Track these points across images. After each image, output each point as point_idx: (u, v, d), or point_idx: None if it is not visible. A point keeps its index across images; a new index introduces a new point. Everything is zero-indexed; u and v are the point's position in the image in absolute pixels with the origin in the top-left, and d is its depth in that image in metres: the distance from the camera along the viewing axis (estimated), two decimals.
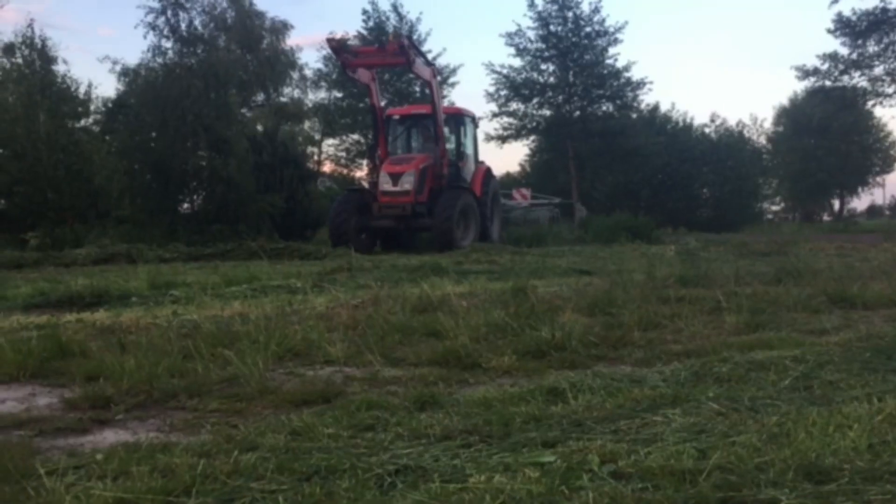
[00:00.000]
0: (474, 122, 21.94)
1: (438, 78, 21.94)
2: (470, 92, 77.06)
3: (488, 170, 20.90)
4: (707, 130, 46.05)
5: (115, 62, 25.39)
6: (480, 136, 28.22)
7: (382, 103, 21.94)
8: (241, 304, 7.81)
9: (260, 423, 3.63)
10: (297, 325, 6.08)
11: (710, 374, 4.27)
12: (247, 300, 8.30)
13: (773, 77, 73.13)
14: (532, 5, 36.37)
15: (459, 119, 21.05)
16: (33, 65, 22.21)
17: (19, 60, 24.58)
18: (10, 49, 26.90)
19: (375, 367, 4.84)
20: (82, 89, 25.38)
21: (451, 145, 20.21)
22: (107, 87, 29.94)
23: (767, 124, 55.36)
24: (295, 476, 2.82)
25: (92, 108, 27.41)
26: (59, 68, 24.45)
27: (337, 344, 5.35)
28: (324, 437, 3.30)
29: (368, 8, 36.48)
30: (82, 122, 26.61)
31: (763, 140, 51.39)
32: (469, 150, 21.02)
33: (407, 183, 18.23)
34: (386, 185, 18.49)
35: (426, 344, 5.39)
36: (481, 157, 22.15)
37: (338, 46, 18.65)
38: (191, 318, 6.76)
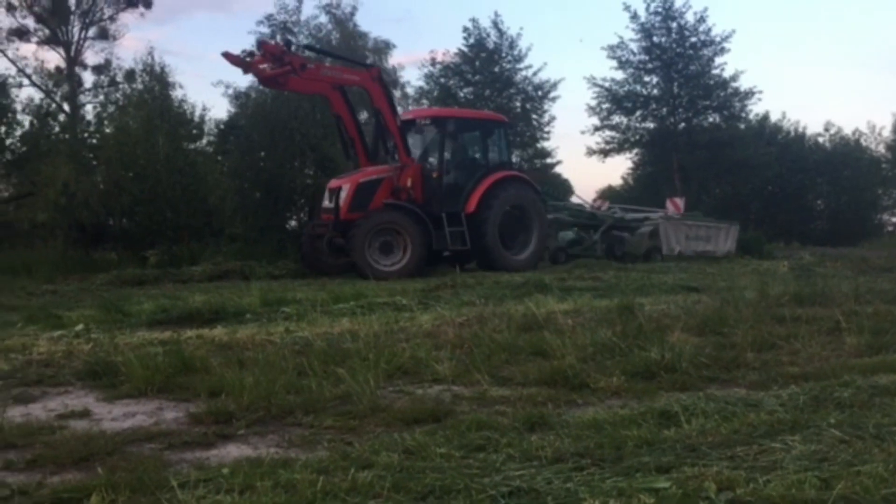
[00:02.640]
0: (504, 128, 18.80)
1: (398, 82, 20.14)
2: (571, 106, 76.64)
3: (505, 180, 17.16)
4: (821, 140, 44.21)
5: (227, 86, 26.55)
6: (581, 150, 27.04)
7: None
8: (349, 321, 8.00)
9: (373, 441, 3.73)
10: (404, 342, 6.20)
11: (830, 398, 4.13)
12: (355, 317, 8.49)
13: (892, 82, 69.58)
14: (635, 17, 35.93)
15: (487, 126, 18.40)
16: (153, 90, 23.41)
17: (140, 86, 26.03)
18: (130, 75, 28.53)
19: (483, 386, 4.88)
20: (197, 112, 26.60)
21: (471, 154, 17.88)
22: (219, 109, 31.56)
23: (886, 132, 52.82)
24: (411, 495, 2.89)
25: (205, 130, 28.70)
26: (176, 93, 25.72)
27: (444, 362, 5.43)
28: (436, 457, 3.36)
29: (469, 25, 36.81)
30: (197, 144, 27.85)
31: (882, 149, 48.96)
32: (497, 159, 17.91)
33: (341, 199, 15.96)
34: (326, 201, 16.55)
35: (533, 363, 5.40)
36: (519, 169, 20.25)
37: (238, 62, 16.48)
38: (302, 336, 6.99)
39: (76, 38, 29.78)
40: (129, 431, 4.06)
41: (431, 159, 17.40)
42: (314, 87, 16.85)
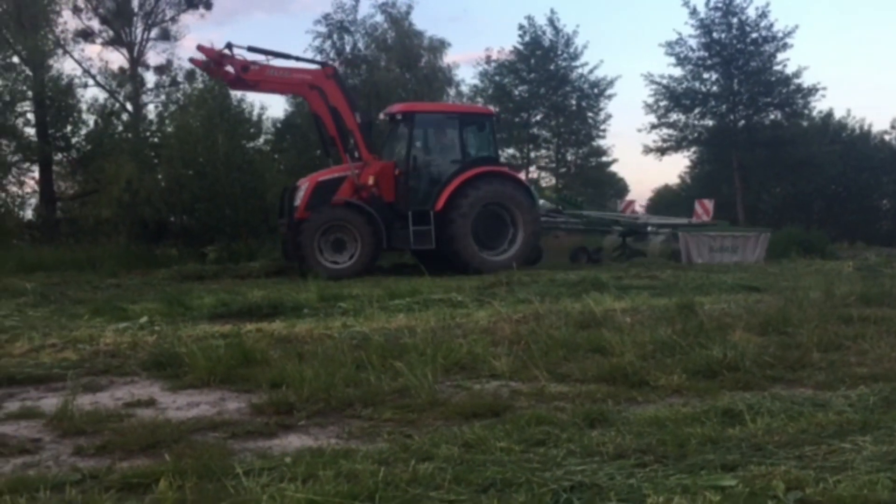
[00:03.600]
0: (491, 122, 17.50)
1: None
2: (628, 103, 75.71)
3: (483, 176, 16.06)
4: (887, 138, 42.91)
5: None
6: (638, 147, 26.13)
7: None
8: (405, 317, 8.05)
9: (433, 433, 3.74)
10: (461, 338, 6.20)
11: None
12: (410, 313, 8.55)
13: None
14: (694, 13, 35.32)
15: (468, 119, 17.17)
16: (213, 90, 23.85)
17: (200, 86, 26.59)
18: (191, 75, 29.13)
19: (541, 382, 4.86)
20: (255, 112, 27.04)
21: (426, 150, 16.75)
22: (276, 108, 32.14)
23: None
24: (472, 487, 2.89)
25: (263, 128, 29.16)
26: (235, 93, 26.19)
27: (502, 358, 5.42)
28: (496, 451, 3.36)
29: (525, 23, 36.65)
30: (255, 143, 28.29)
31: None
32: (478, 154, 16.81)
33: (298, 198, 15.69)
34: (290, 200, 16.15)
35: (591, 360, 5.35)
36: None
37: (202, 66, 16.24)
38: (360, 330, 7.05)
39: (139, 39, 30.47)
40: (193, 420, 4.14)
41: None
42: (286, 87, 16.87)
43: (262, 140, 29.19)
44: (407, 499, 2.82)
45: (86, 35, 29.29)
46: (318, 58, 26.10)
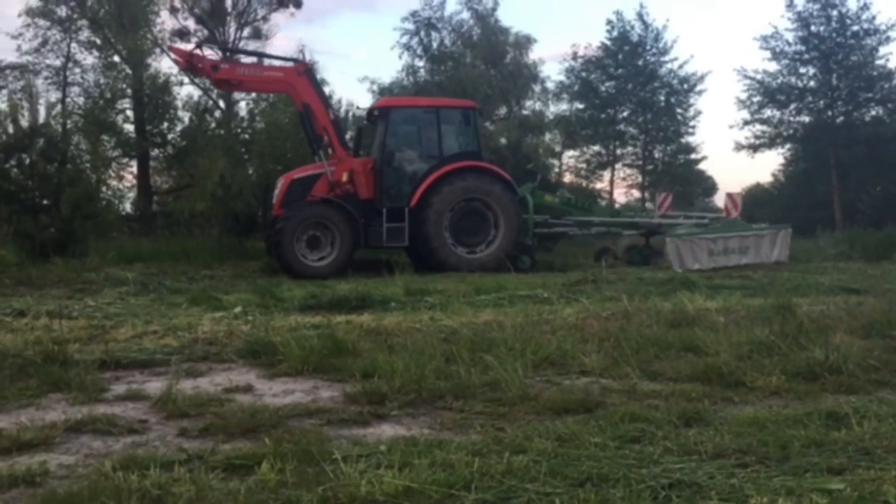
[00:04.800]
0: (473, 115, 16.81)
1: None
2: (720, 99, 73.71)
3: (461, 171, 15.53)
4: None
5: (372, 81, 27.31)
6: (729, 144, 24.79)
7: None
8: (491, 312, 8.06)
9: (525, 427, 3.74)
10: (549, 334, 6.17)
11: None
12: (497, 308, 8.56)
13: None
14: (791, 6, 34.17)
15: (448, 114, 16.59)
16: None
17: None
18: None
19: (633, 379, 4.79)
20: (343, 108, 27.49)
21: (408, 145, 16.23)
22: (363, 105, 32.75)
23: None
24: (568, 481, 2.88)
25: (350, 124, 29.64)
26: (324, 89, 26.73)
27: (591, 355, 5.37)
28: (591, 446, 3.33)
29: (613, 18, 36.14)
30: None
31: None
32: (458, 148, 16.26)
33: (273, 196, 15.59)
34: (265, 198, 16.20)
35: (684, 359, 5.25)
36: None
37: (184, 66, 15.92)
38: (447, 324, 7.09)
39: (232, 37, 31.35)
40: (289, 407, 4.24)
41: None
42: (269, 86, 16.71)
43: (349, 136, 29.66)
44: (502, 490, 2.82)
45: (182, 34, 30.28)
46: (405, 55, 26.36)
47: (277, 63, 17.28)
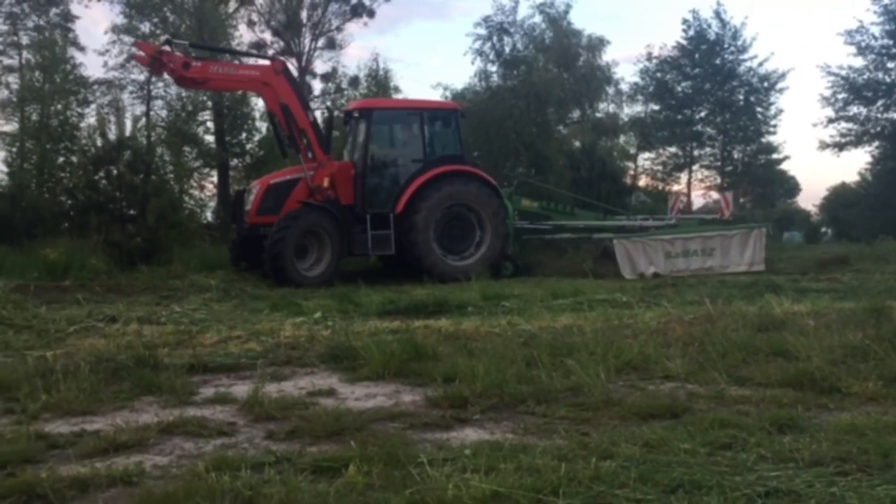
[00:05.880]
0: (456, 117, 16.08)
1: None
2: (803, 97, 71.24)
3: (446, 175, 14.88)
4: None
5: (445, 88, 27.43)
6: (812, 143, 23.41)
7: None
8: (569, 317, 7.98)
9: (610, 432, 3.68)
10: (630, 339, 6.07)
11: None
12: (575, 313, 8.47)
13: None
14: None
15: (431, 116, 15.93)
16: (376, 95, 24.71)
17: (364, 91, 27.59)
18: (354, 82, 30.29)
19: (720, 384, 4.67)
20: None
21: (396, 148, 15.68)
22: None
23: None
24: (658, 488, 2.81)
25: None
26: (397, 97, 27.00)
27: (675, 359, 5.26)
28: (680, 452, 3.25)
29: (689, 17, 35.45)
30: None
31: None
32: (443, 152, 15.67)
33: (248, 202, 14.59)
34: (240, 204, 15.13)
35: (773, 364, 5.09)
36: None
37: (146, 63, 14.82)
38: (525, 329, 7.06)
39: (307, 48, 31.95)
40: (372, 411, 4.27)
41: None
42: (237, 84, 15.74)
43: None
44: (591, 495, 2.78)
45: (259, 47, 30.98)
46: (478, 60, 26.39)
47: (252, 61, 16.53)
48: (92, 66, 32.45)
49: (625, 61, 38.75)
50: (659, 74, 35.74)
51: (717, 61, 34.52)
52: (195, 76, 14.23)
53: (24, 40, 25.72)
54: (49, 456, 3.45)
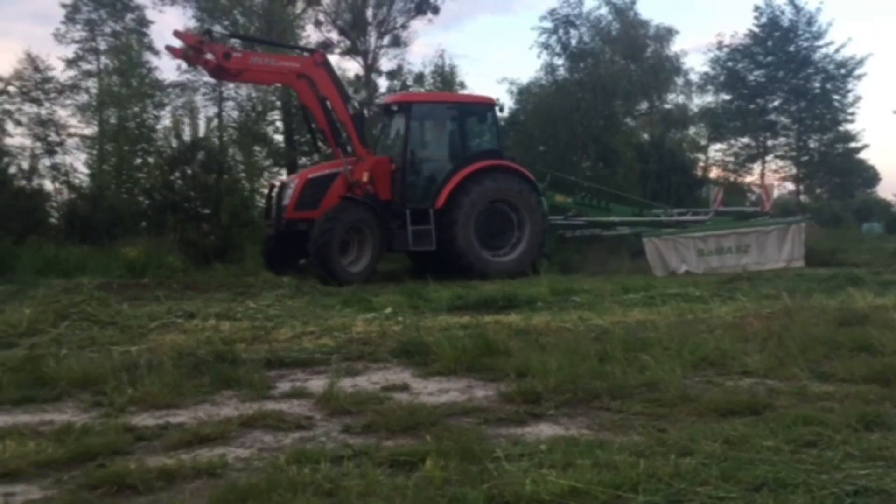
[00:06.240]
0: (493, 112, 15.86)
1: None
2: (884, 84, 68.37)
3: (486, 170, 14.64)
4: None
5: (511, 82, 27.34)
6: (894, 131, 22.19)
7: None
8: (641, 312, 7.87)
9: (688, 428, 3.61)
10: (706, 333, 5.96)
11: None
12: (647, 307, 8.35)
13: None
14: None
15: (470, 110, 15.70)
16: (442, 90, 24.78)
17: (430, 87, 27.69)
18: (419, 78, 30.44)
19: (802, 381, 4.56)
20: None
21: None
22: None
23: None
24: (741, 485, 2.76)
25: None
26: (463, 93, 27.04)
27: (754, 355, 5.15)
28: (763, 449, 3.18)
29: (761, 3, 34.47)
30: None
31: None
32: (481, 147, 15.53)
33: (287, 197, 14.19)
34: (277, 199, 14.58)
35: (857, 359, 4.94)
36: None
37: (179, 55, 14.55)
38: (597, 324, 6.99)
39: (372, 46, 32.22)
40: (446, 405, 4.29)
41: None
42: (271, 77, 15.10)
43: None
44: (671, 492, 2.74)
45: (325, 46, 31.37)
46: (544, 54, 26.23)
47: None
48: (166, 69, 33.27)
49: (694, 51, 38.15)
50: (730, 63, 34.85)
51: (792, 48, 33.49)
52: (235, 67, 13.89)
53: (102, 45, 26.52)
54: (136, 448, 3.57)
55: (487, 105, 16.01)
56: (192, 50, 13.73)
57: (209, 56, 13.73)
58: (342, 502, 2.70)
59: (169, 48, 15.11)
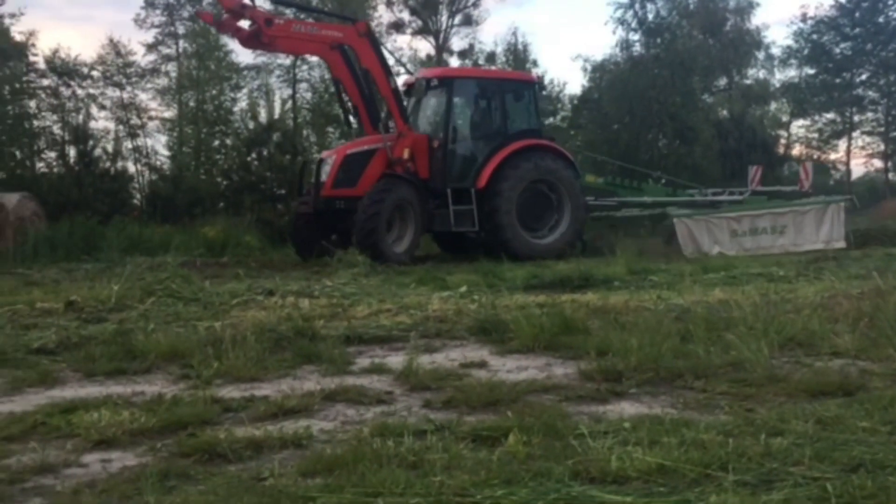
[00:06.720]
0: (533, 89, 15.43)
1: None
2: None
3: (527, 150, 14.26)
4: None
5: (585, 59, 27.00)
6: None
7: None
8: (722, 291, 7.69)
9: (777, 409, 3.51)
10: (792, 313, 5.78)
11: None
12: (728, 287, 8.16)
13: None
14: None
15: (510, 86, 15.28)
16: (515, 69, 24.60)
17: (502, 66, 27.59)
18: (491, 57, 30.31)
19: None
20: (554, 89, 27.46)
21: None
22: (573, 84, 32.04)
23: None
24: (837, 466, 2.66)
25: (560, 105, 29.51)
26: (536, 70, 26.80)
27: (844, 335, 4.97)
28: (857, 430, 3.07)
29: None
30: (551, 120, 28.72)
31: None
32: (521, 125, 15.00)
33: (325, 173, 13.58)
34: (315, 175, 13.97)
35: None
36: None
37: (210, 21, 14.22)
38: (677, 303, 6.86)
39: (444, 26, 32.17)
40: (524, 383, 4.27)
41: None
42: (304, 46, 14.44)
43: (559, 117, 29.55)
44: (762, 472, 2.66)
45: (397, 26, 31.50)
46: (619, 30, 25.78)
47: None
48: (242, 52, 34.03)
49: (776, 24, 36.87)
50: (815, 36, 33.55)
51: (881, 19, 32.05)
52: (275, 34, 13.22)
53: (181, 30, 27.18)
54: (224, 418, 3.66)
55: (528, 82, 15.71)
56: (230, 13, 13.15)
57: (242, 24, 13.23)
58: (427, 474, 2.71)
59: (200, 13, 15.11)
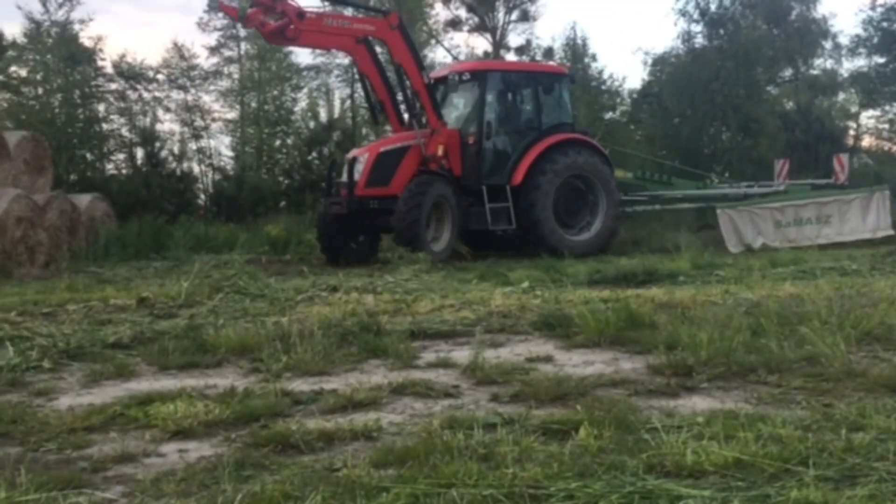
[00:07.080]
0: (565, 82, 14.94)
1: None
2: None
3: (563, 144, 13.91)
4: None
5: (645, 52, 26.60)
6: None
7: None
8: (792, 286, 7.50)
9: (857, 404, 3.42)
10: (868, 308, 5.61)
11: None
12: (798, 281, 7.97)
13: None
14: None
15: (542, 79, 14.75)
16: (572, 64, 24.38)
17: (561, 61, 27.36)
18: (549, 53, 30.07)
19: None
20: (614, 83, 27.15)
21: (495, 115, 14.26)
22: (633, 78, 31.62)
23: None
24: None
25: (620, 99, 29.14)
26: (596, 64, 26.55)
27: None
28: None
29: None
30: (612, 114, 28.40)
31: None
32: (555, 119, 14.49)
33: (357, 172, 12.99)
34: (347, 174, 13.17)
35: None
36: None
37: (234, 14, 13.81)
38: (745, 297, 6.72)
39: (501, 22, 32.04)
40: (592, 377, 4.23)
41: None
42: (330, 41, 13.75)
43: (618, 112, 29.19)
44: (845, 467, 2.59)
45: (454, 24, 31.49)
46: (680, 21, 25.33)
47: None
48: (301, 53, 34.47)
49: (844, 12, 35.72)
50: (885, 24, 32.43)
51: None
52: (305, 28, 12.75)
53: (242, 33, 27.61)
54: (295, 411, 3.71)
55: (561, 75, 15.32)
56: (254, 8, 12.69)
57: (266, 19, 12.71)
58: (498, 467, 2.70)
59: (223, 7, 14.67)
